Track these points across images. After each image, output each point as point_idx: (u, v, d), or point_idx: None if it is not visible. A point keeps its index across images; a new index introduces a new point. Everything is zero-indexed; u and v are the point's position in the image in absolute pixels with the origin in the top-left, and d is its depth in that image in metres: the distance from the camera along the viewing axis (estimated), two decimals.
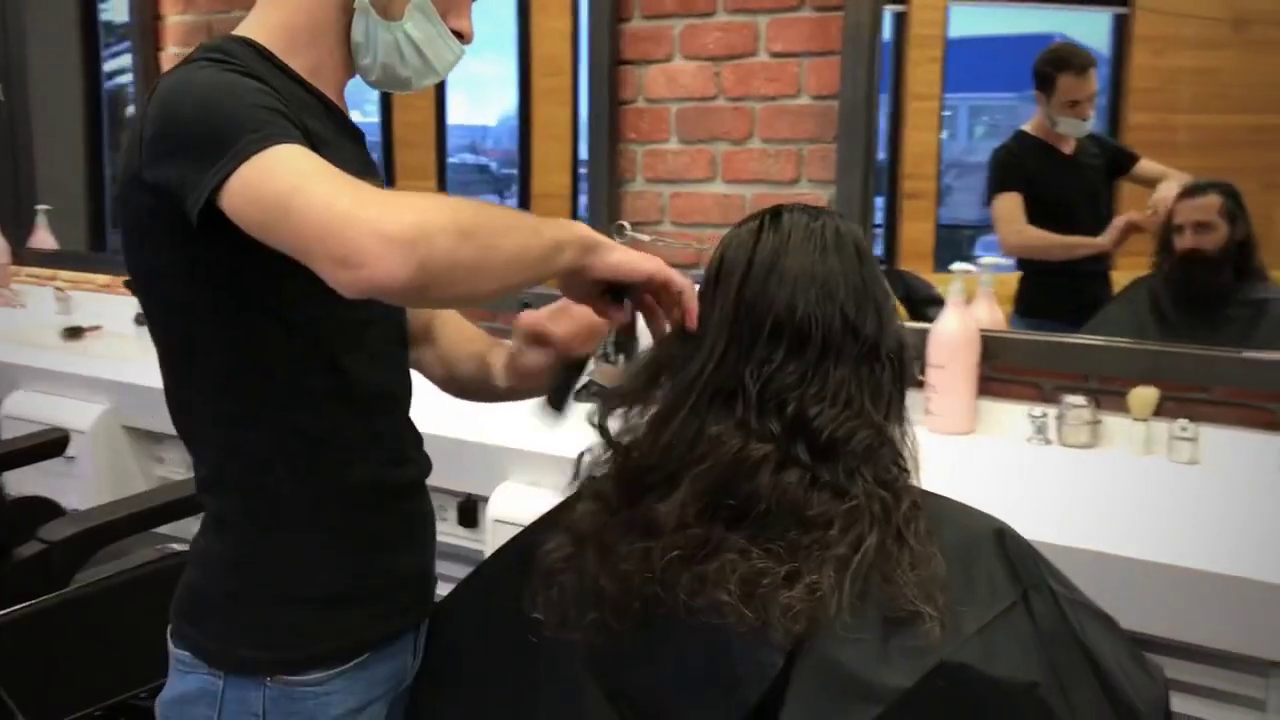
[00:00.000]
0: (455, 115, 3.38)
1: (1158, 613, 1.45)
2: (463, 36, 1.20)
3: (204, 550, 1.15)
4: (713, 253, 1.08)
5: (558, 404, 1.22)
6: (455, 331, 1.39)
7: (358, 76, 1.20)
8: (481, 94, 3.42)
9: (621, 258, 1.03)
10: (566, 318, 1.24)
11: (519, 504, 1.99)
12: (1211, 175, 2.15)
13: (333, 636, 1.13)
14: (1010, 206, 2.37)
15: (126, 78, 3.78)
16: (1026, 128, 2.35)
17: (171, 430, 1.15)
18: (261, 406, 1.10)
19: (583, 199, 3.15)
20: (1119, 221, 2.28)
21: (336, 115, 1.16)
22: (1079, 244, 2.34)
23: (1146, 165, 2.25)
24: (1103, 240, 2.30)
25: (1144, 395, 1.97)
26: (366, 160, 1.22)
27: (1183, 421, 1.90)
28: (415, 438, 1.26)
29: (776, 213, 1.05)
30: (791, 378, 0.97)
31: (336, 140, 1.13)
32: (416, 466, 1.25)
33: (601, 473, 1.07)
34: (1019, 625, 0.94)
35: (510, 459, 2.04)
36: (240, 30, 1.14)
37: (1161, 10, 2.24)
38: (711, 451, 0.97)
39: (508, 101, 3.34)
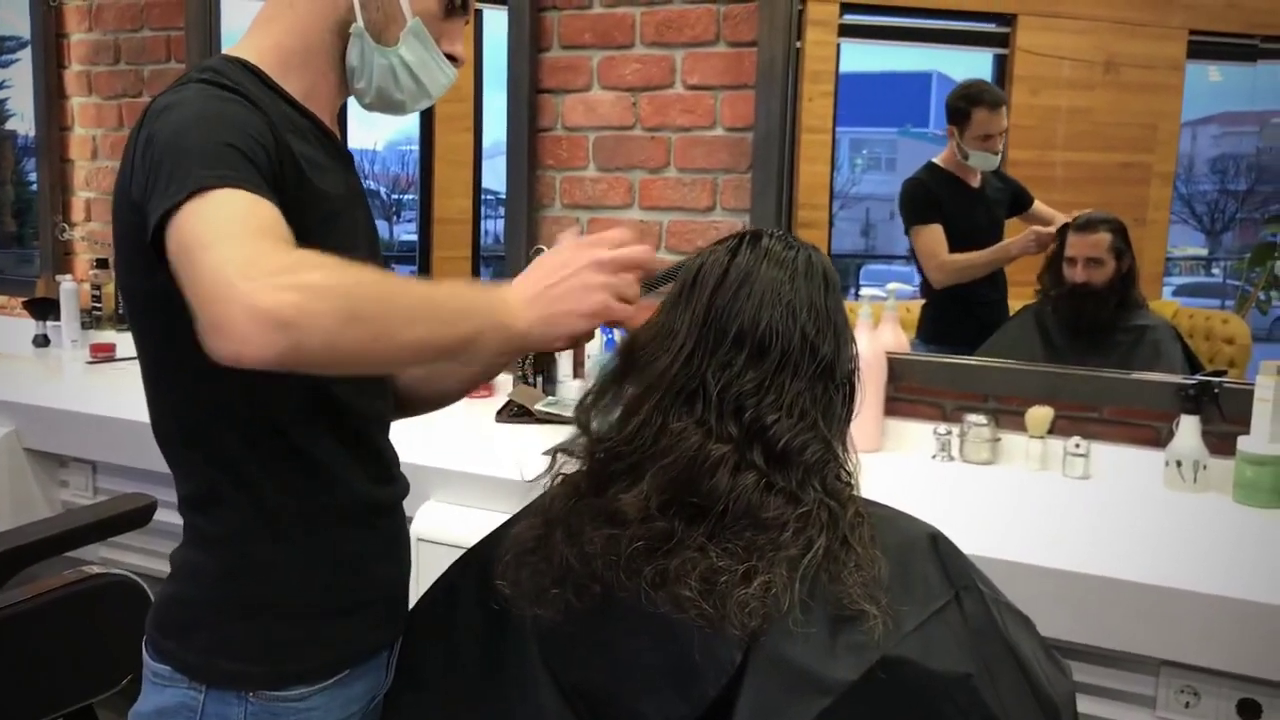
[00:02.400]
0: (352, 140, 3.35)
1: (1054, 616, 1.51)
2: (455, 59, 1.23)
3: (189, 564, 1.15)
4: (690, 260, 1.13)
5: None
6: None
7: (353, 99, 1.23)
8: (374, 118, 3.40)
9: (548, 333, 1.03)
10: None
11: (443, 524, 2.00)
12: (1085, 210, 2.27)
13: (318, 652, 1.14)
14: (934, 238, 2.46)
15: (4, 92, 3.71)
16: (937, 160, 2.45)
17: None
18: (249, 426, 1.10)
19: (486, 224, 3.21)
20: (1030, 232, 2.37)
21: (328, 138, 1.18)
22: (996, 260, 2.43)
23: (1040, 207, 2.37)
24: (1010, 246, 2.40)
25: (1040, 414, 2.09)
26: (355, 185, 1.23)
27: (1076, 439, 2.03)
28: (396, 456, 1.28)
29: (756, 235, 1.12)
30: (749, 384, 1.04)
31: (327, 163, 1.14)
32: (399, 485, 1.27)
33: (571, 468, 1.11)
34: (953, 622, 1.01)
35: (434, 479, 2.06)
36: (235, 51, 1.15)
37: (1038, 51, 2.35)
38: (674, 446, 1.02)
39: (396, 126, 3.31)
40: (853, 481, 1.08)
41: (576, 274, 1.04)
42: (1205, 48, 2.22)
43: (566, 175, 2.61)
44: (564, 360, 2.56)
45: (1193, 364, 2.20)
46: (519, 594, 1.07)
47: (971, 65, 2.51)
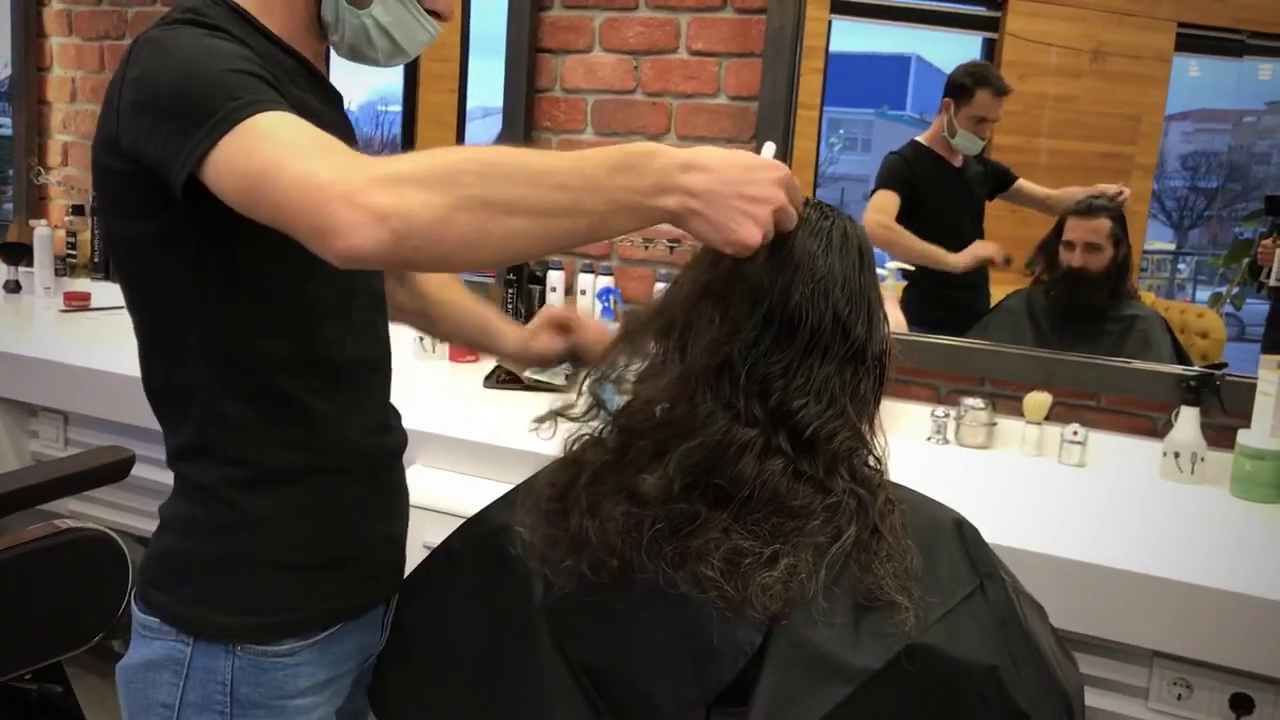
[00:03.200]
0: None
1: (1048, 602, 1.49)
2: (439, 15, 1.18)
3: (180, 517, 1.13)
4: None
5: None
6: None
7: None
8: (357, 77, 3.34)
9: (691, 229, 0.91)
10: (595, 326, 1.30)
11: (428, 488, 1.96)
12: (1082, 198, 2.24)
13: (309, 605, 1.12)
14: (884, 201, 2.42)
15: None
16: (921, 139, 2.42)
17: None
18: (242, 376, 1.08)
19: None
20: (978, 249, 2.36)
21: (317, 78, 1.15)
22: (932, 257, 2.40)
23: (1025, 184, 2.34)
24: (955, 260, 2.37)
25: (1038, 400, 2.07)
26: (346, 124, 1.21)
27: (1075, 426, 2.01)
28: (394, 408, 1.26)
29: None
30: (777, 366, 1.00)
31: (319, 108, 1.11)
32: (396, 436, 1.25)
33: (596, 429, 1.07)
34: (979, 610, 0.99)
35: (420, 443, 2.01)
36: None
37: (1027, 37, 2.31)
38: (699, 428, 0.99)
39: (374, 85, 3.24)
40: (882, 467, 1.04)
41: (754, 194, 0.91)
42: (1193, 41, 2.19)
43: (563, 138, 2.55)
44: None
45: (1181, 357, 2.18)
46: (534, 551, 1.03)
47: (959, 48, 2.47)
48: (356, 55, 1.17)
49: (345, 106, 1.23)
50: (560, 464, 1.07)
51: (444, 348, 2.56)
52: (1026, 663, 1.00)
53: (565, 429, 1.09)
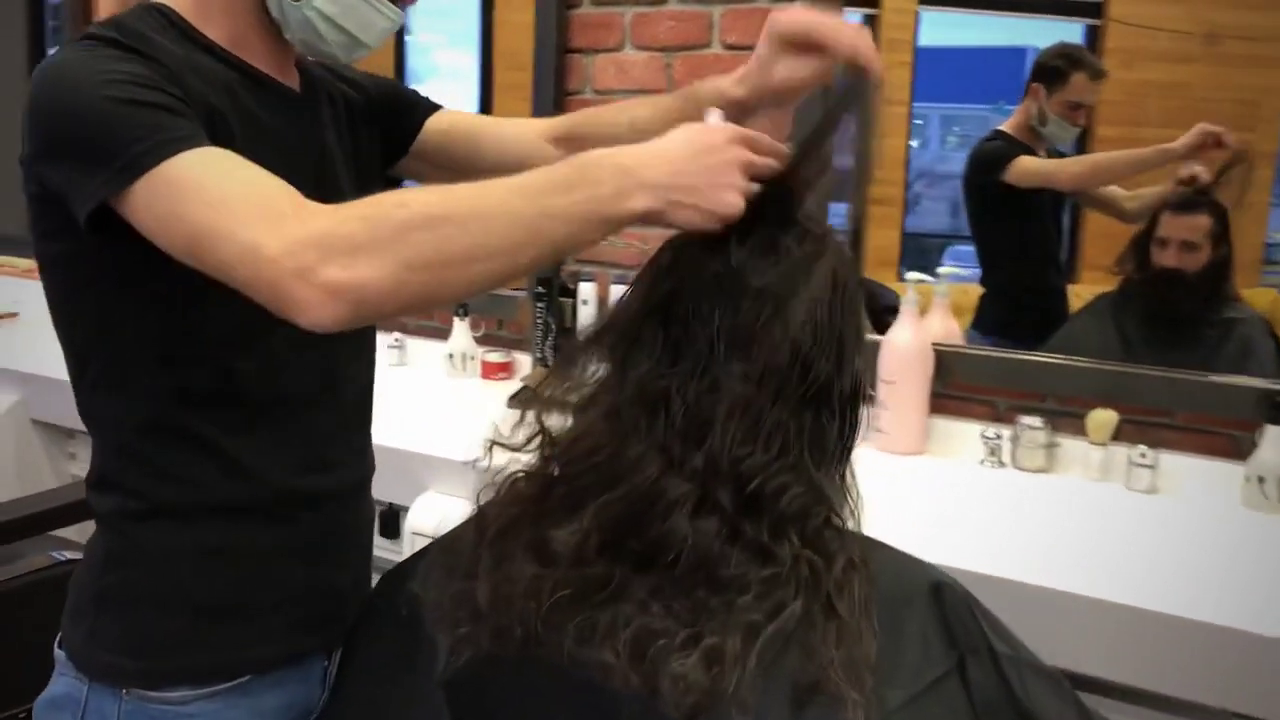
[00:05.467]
0: None
1: (1109, 655, 1.36)
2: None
3: (88, 549, 1.09)
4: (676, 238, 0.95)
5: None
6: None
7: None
8: (442, 88, 3.29)
9: (665, 219, 0.87)
10: (849, 32, 1.03)
11: (438, 515, 1.87)
12: (1178, 194, 2.06)
13: (205, 651, 1.05)
14: (1037, 162, 2.21)
15: None
16: (1005, 128, 2.24)
17: (82, 426, 1.09)
18: (149, 407, 1.02)
19: None
20: (1199, 129, 2.07)
21: (263, 85, 1.06)
22: (1155, 151, 2.13)
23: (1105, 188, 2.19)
24: (1176, 145, 2.09)
25: (1102, 418, 1.86)
26: (304, 133, 1.11)
27: (1141, 448, 1.80)
28: (348, 441, 1.16)
29: None
30: (721, 406, 0.85)
31: (255, 113, 1.03)
32: (338, 474, 1.14)
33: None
34: (951, 697, 0.82)
35: (431, 468, 1.92)
36: None
37: (1132, 22, 2.18)
38: (625, 476, 0.84)
39: (464, 96, 3.20)
40: (846, 525, 0.88)
41: (716, 163, 0.88)
42: None
43: None
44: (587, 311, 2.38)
45: None
46: (437, 614, 0.90)
47: (1062, 37, 2.30)
48: (312, 51, 1.09)
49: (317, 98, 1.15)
50: (479, 510, 0.94)
51: (475, 364, 2.45)
52: None
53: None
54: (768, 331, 0.86)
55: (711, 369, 0.86)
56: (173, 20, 1.01)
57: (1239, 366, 1.94)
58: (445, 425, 2.00)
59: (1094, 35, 2.20)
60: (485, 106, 3.11)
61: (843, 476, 0.90)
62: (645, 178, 0.85)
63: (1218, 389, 1.86)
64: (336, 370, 1.13)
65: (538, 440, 0.93)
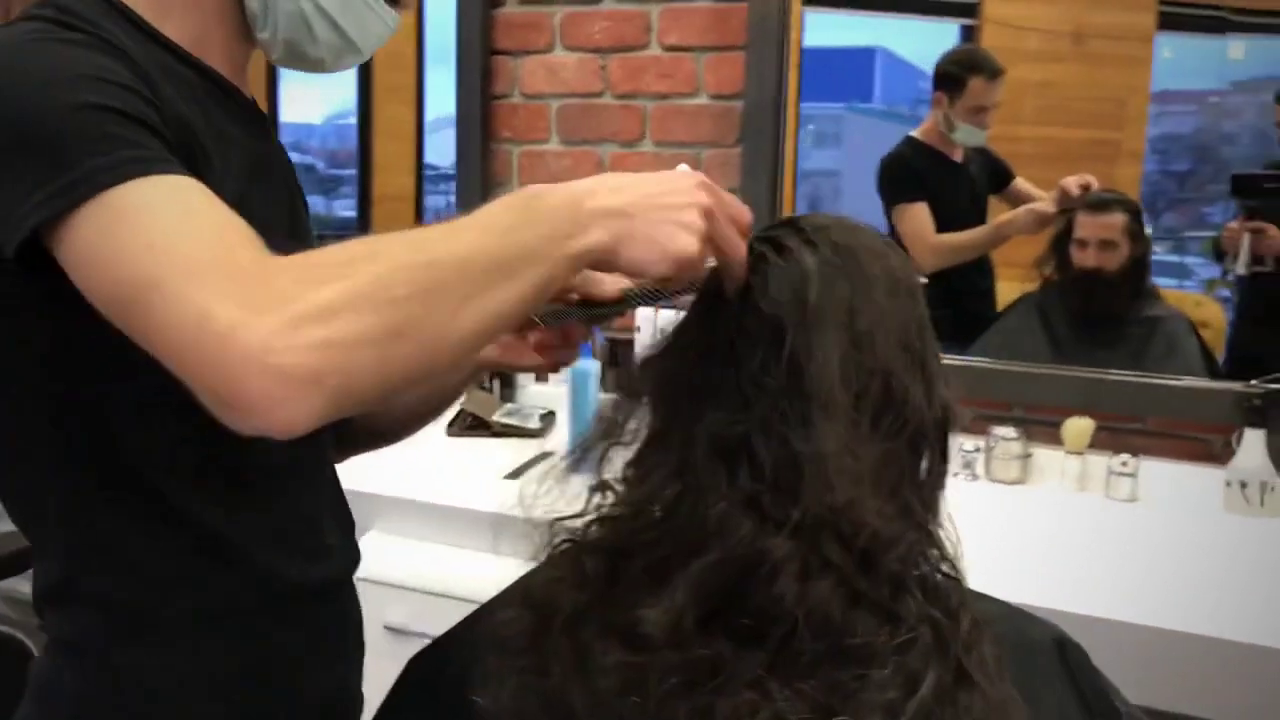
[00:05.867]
0: (287, 113, 3.07)
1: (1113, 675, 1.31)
2: (398, 3, 0.93)
3: (47, 683, 0.85)
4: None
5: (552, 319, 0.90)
6: None
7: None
8: (313, 90, 3.12)
9: (619, 257, 0.73)
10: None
11: (384, 558, 1.71)
12: (1092, 194, 2.07)
13: None
14: (920, 218, 2.20)
15: None
16: (916, 134, 2.22)
17: None
18: (118, 492, 0.81)
19: (428, 201, 3.04)
20: (1027, 210, 2.12)
21: (230, 96, 0.88)
22: (993, 230, 2.18)
23: (1021, 184, 2.17)
24: (1009, 221, 2.15)
25: (1079, 426, 1.82)
26: (261, 155, 0.92)
27: (1124, 456, 1.76)
28: (340, 520, 0.98)
29: (795, 225, 0.82)
30: (811, 447, 0.73)
31: (225, 130, 0.85)
32: (337, 559, 0.96)
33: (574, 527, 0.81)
34: None
35: (374, 506, 1.76)
36: None
37: (1006, 22, 2.19)
38: (713, 538, 0.72)
39: (337, 99, 3.11)
40: (958, 573, 0.78)
41: (675, 202, 0.74)
42: (1175, 19, 2.07)
43: (525, 149, 2.29)
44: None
45: (1209, 360, 1.98)
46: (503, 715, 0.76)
47: (931, 37, 2.33)
48: (294, 55, 0.91)
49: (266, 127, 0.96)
50: (532, 587, 0.80)
51: None
52: None
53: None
54: (858, 359, 0.76)
55: (794, 407, 0.75)
56: (122, 10, 0.82)
57: (1165, 365, 1.94)
58: (382, 458, 1.85)
59: (969, 35, 2.20)
60: (364, 109, 3.01)
61: (939, 518, 0.80)
62: (597, 206, 0.72)
63: (1190, 392, 1.83)
64: (324, 432, 0.96)
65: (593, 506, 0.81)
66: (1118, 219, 2.04)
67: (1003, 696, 0.70)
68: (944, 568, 0.77)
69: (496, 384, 2.25)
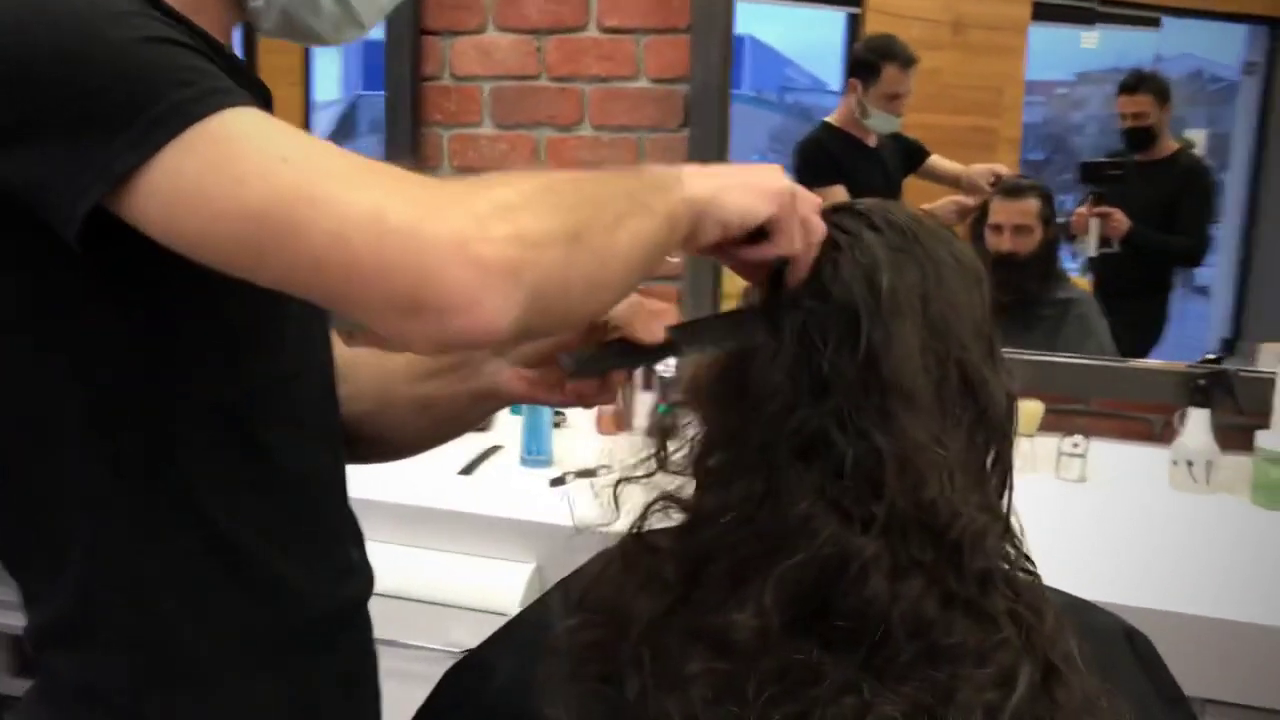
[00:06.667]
0: None
1: None
2: None
3: None
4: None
5: (591, 368, 0.82)
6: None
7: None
8: None
9: (722, 209, 0.69)
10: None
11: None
12: (1006, 180, 2.13)
13: None
14: (838, 198, 2.20)
15: None
16: (831, 119, 2.24)
17: None
18: (149, 511, 0.72)
19: None
20: (950, 201, 2.18)
21: (241, 73, 0.80)
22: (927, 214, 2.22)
23: (937, 160, 2.21)
24: (964, 196, 2.19)
25: (1030, 410, 1.84)
26: None
27: (1076, 437, 1.79)
28: (356, 534, 0.89)
29: (853, 210, 0.79)
30: (891, 440, 0.70)
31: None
32: (363, 575, 0.88)
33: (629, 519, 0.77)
34: None
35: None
36: None
37: (889, 11, 2.22)
38: (796, 539, 0.69)
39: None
40: (1035, 568, 0.76)
41: (762, 169, 0.73)
42: (1048, 11, 2.15)
43: (457, 133, 2.21)
44: None
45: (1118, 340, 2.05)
46: None
47: (807, 25, 2.39)
48: (290, 26, 0.83)
49: None
50: (596, 594, 0.75)
51: None
52: None
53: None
54: (933, 348, 0.73)
55: (871, 399, 0.72)
56: None
57: (1080, 346, 2.00)
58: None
59: (854, 24, 2.22)
60: None
61: (1010, 508, 0.79)
62: (694, 170, 0.70)
63: (1134, 373, 1.88)
64: (340, 436, 0.88)
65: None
66: (1031, 204, 2.10)
67: (1093, 690, 0.69)
68: (1026, 564, 0.75)
69: None
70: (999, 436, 0.76)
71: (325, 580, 0.81)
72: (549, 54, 2.13)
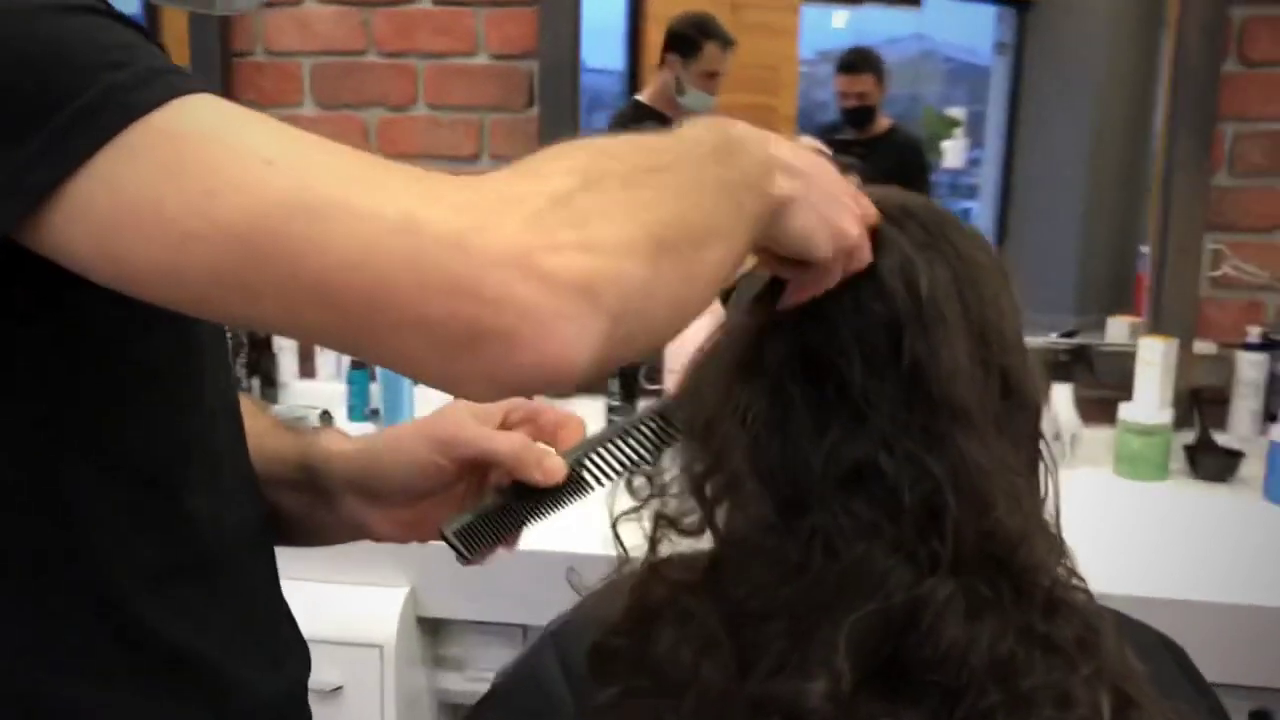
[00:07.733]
0: None
1: None
2: None
3: None
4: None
5: (472, 543, 0.68)
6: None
7: None
8: None
9: (796, 222, 0.58)
10: (524, 415, 0.74)
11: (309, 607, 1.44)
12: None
13: None
14: None
15: None
16: (642, 98, 2.17)
17: None
18: (57, 599, 0.56)
19: None
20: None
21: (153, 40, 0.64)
22: None
23: None
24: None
25: None
26: None
27: None
28: (286, 612, 0.73)
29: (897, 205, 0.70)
30: (945, 464, 0.63)
31: None
32: (298, 659, 0.73)
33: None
34: None
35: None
36: None
37: None
38: (863, 586, 0.60)
39: None
40: (1084, 583, 0.70)
41: (839, 178, 0.62)
42: None
43: (275, 113, 2.00)
44: (288, 355, 1.99)
45: None
46: None
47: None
48: None
49: None
50: (642, 657, 0.64)
51: None
52: None
53: None
54: (979, 358, 0.66)
55: (917, 417, 0.65)
56: None
57: None
58: None
59: (636, 3, 2.19)
60: None
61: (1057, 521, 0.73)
62: (777, 154, 0.58)
63: None
64: (260, 492, 0.72)
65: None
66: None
67: (1166, 713, 0.64)
68: (1076, 582, 0.69)
69: (256, 381, 1.97)
70: (1038, 443, 0.71)
71: (259, 666, 0.67)
72: (377, 27, 1.96)
